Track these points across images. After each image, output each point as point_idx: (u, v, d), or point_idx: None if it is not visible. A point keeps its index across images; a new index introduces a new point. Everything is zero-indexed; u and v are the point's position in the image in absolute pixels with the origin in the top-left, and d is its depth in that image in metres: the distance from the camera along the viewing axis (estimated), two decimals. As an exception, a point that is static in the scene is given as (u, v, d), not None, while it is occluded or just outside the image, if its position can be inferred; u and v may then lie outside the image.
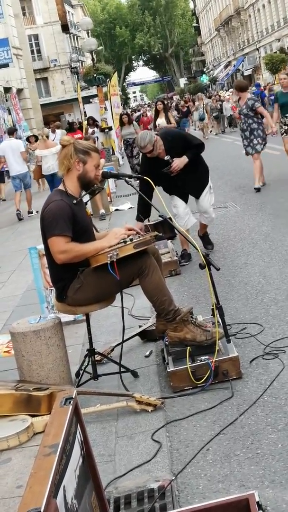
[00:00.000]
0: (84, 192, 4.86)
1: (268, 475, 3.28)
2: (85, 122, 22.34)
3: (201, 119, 30.94)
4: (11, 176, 15.91)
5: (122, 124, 19.23)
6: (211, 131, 32.33)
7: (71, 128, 22.49)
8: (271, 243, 7.97)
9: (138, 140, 7.36)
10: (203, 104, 31.93)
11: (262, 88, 35.11)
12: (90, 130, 21.33)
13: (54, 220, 4.40)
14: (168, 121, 17.45)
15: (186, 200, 7.92)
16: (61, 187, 4.66)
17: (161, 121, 17.63)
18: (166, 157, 7.22)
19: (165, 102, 19.62)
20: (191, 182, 7.68)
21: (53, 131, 20.39)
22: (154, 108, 23.90)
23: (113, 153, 21.72)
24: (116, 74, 29.67)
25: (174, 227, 5.36)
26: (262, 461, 3.42)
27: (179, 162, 7.35)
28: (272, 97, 26.79)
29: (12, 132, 16.96)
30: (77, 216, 4.52)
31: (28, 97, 35.00)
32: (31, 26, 52.16)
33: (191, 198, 7.97)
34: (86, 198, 5.11)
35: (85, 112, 24.55)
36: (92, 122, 21.94)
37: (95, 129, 21.28)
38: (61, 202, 4.47)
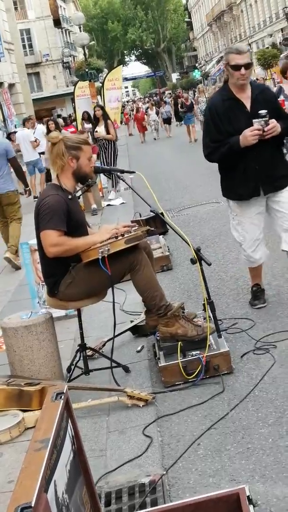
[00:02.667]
0: (79, 187, 4.86)
1: (259, 469, 3.29)
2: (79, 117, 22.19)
3: (203, 115, 29.41)
4: (25, 163, 16.35)
5: (48, 132, 15.66)
6: None
7: (65, 122, 22.19)
8: (263, 239, 7.97)
9: (235, 46, 5.30)
10: (205, 97, 27.90)
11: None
12: (85, 125, 21.26)
13: (50, 213, 4.40)
14: (107, 131, 14.65)
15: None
16: (55, 181, 4.66)
17: (100, 129, 14.86)
18: (263, 111, 5.02)
19: (105, 108, 16.39)
20: (269, 170, 5.28)
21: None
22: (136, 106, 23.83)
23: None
24: (120, 67, 29.36)
25: (165, 222, 5.37)
26: (252, 455, 3.43)
27: (276, 125, 5.09)
28: None
29: (24, 121, 19.09)
30: (72, 211, 4.53)
31: (20, 92, 34.89)
32: (23, 21, 51.91)
33: None
34: (78, 193, 5.11)
35: (73, 107, 24.53)
36: (87, 116, 21.85)
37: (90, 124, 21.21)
38: (57, 196, 4.47)
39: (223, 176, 5.53)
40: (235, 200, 5.46)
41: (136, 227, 4.76)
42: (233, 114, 5.19)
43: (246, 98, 5.21)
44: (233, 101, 5.22)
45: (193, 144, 24.93)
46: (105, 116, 14.92)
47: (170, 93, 58.12)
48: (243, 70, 5.05)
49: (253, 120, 5.04)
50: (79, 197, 5.20)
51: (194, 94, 37.68)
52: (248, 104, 5.19)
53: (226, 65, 5.17)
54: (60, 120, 18.36)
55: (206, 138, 5.36)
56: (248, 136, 5.00)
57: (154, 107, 36.81)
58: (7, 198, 9.14)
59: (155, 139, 33.89)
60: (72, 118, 28.41)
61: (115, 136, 14.74)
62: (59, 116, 33.97)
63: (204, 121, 5.57)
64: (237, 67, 5.06)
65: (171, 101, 39.26)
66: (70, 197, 4.57)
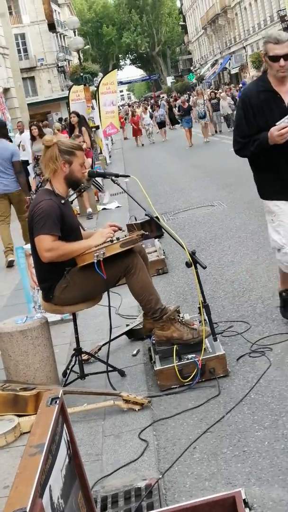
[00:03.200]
0: (71, 192, 4.86)
1: (255, 472, 3.29)
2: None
3: (201, 117, 26.87)
4: (30, 163, 16.20)
5: (32, 138, 15.22)
6: (213, 134, 28.91)
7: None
8: (258, 241, 7.99)
9: (274, 34, 4.66)
10: (204, 100, 27.65)
11: None
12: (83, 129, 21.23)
13: (43, 218, 4.40)
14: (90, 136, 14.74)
15: None
16: (48, 186, 4.65)
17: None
18: None
19: (81, 116, 14.98)
20: None
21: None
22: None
23: (100, 152, 21.68)
24: (115, 71, 29.32)
25: (160, 225, 5.37)
26: (248, 458, 3.43)
27: None
28: None
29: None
30: (65, 215, 4.53)
31: (15, 96, 34.81)
32: (17, 25, 51.97)
33: None
34: (72, 197, 5.11)
35: (69, 111, 24.48)
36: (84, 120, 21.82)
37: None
38: (50, 201, 4.47)
39: (255, 173, 5.04)
40: (272, 199, 4.89)
41: (124, 229, 4.76)
42: (268, 108, 4.70)
43: (285, 92, 4.70)
44: (270, 93, 4.70)
45: (192, 148, 24.74)
46: (81, 123, 14.45)
47: (164, 97, 58.00)
48: (282, 62, 4.53)
49: (284, 119, 4.57)
50: (71, 202, 5.19)
51: (189, 98, 37.50)
52: (286, 99, 4.69)
53: (264, 55, 4.68)
54: (58, 124, 18.15)
55: (235, 132, 4.89)
56: (275, 136, 4.55)
57: (147, 111, 36.59)
58: (17, 196, 9.85)
59: (152, 142, 33.61)
60: (67, 122, 28.42)
61: (90, 144, 14.34)
62: (60, 120, 33.90)
63: (236, 113, 5.10)
64: (275, 58, 4.56)
65: (166, 104, 39.08)
66: (63, 201, 4.57)
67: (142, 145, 33.76)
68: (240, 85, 33.31)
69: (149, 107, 41.80)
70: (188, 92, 56.52)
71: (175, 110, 33.75)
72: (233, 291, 6.33)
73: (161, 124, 34.26)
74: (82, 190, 5.05)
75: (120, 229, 4.74)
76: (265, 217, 5.04)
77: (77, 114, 14.81)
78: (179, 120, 27.84)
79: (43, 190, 4.74)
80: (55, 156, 4.55)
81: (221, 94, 31.24)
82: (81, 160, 4.66)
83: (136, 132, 35.07)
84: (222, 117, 29.33)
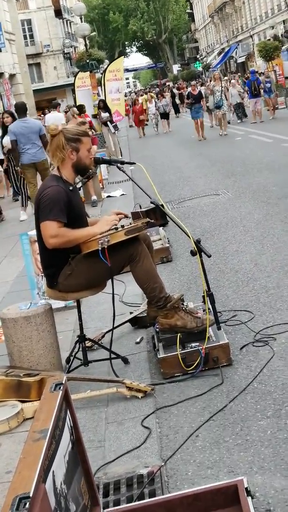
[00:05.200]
0: (79, 178, 4.85)
1: (257, 461, 3.29)
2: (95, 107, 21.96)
3: (218, 106, 23.24)
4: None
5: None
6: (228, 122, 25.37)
7: (81, 110, 20.94)
8: (263, 231, 7.98)
9: None
10: (221, 87, 23.82)
11: (257, 74, 33.88)
12: (102, 114, 21.14)
13: (50, 204, 4.39)
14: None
15: None
16: (56, 173, 4.64)
17: None
18: None
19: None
20: None
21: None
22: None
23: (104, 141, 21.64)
24: (121, 58, 29.09)
25: (165, 213, 5.36)
26: (251, 447, 3.43)
27: None
28: (268, 84, 26.60)
29: (55, 106, 21.57)
30: (72, 202, 4.52)
31: (21, 83, 34.75)
32: (24, 11, 51.72)
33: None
34: (78, 184, 5.10)
35: (74, 98, 24.45)
36: (103, 105, 21.69)
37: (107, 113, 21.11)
38: (58, 187, 4.46)
39: None
40: None
41: (129, 217, 4.75)
42: None
43: None
44: None
45: (203, 141, 22.54)
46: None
47: (169, 85, 57.15)
48: None
49: None
50: (79, 189, 5.18)
51: (201, 84, 35.68)
52: None
53: None
54: (75, 109, 18.08)
55: None
56: None
57: (153, 100, 33.79)
58: (42, 164, 11.71)
59: (157, 134, 31.56)
60: (68, 107, 28.32)
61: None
62: (76, 106, 33.63)
63: None
64: None
65: (169, 92, 37.75)
66: (71, 188, 4.57)
67: (144, 135, 31.66)
68: (249, 74, 32.73)
69: (154, 96, 39.69)
70: (198, 80, 55.90)
71: (184, 98, 31.43)
72: (237, 280, 6.32)
73: (164, 115, 31.55)
74: (91, 176, 5.03)
75: (126, 216, 4.73)
76: None
77: (11, 114, 13.87)
78: (189, 109, 24.18)
79: (51, 176, 4.73)
80: (61, 145, 4.54)
81: (231, 81, 28.95)
82: (87, 146, 4.65)
83: (139, 123, 32.50)
84: (231, 106, 26.32)
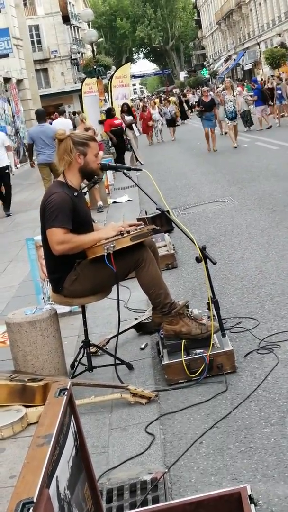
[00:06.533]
0: (85, 184, 4.86)
1: (261, 469, 3.29)
2: (118, 109, 22.01)
3: (230, 118, 20.63)
4: None
5: None
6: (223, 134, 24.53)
7: (109, 114, 20.22)
8: (268, 238, 7.98)
9: None
10: (234, 96, 21.45)
11: (262, 83, 33.42)
12: (126, 118, 21.13)
13: (56, 211, 4.40)
14: None
15: None
16: (61, 178, 4.66)
17: None
18: None
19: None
20: None
21: None
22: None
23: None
24: (128, 65, 29.10)
25: (171, 220, 5.36)
26: (254, 455, 3.43)
27: None
28: (279, 92, 26.48)
29: (62, 112, 22.41)
30: (77, 208, 4.53)
31: (28, 88, 34.85)
32: (31, 17, 51.92)
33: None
34: (84, 189, 5.11)
35: (81, 104, 24.54)
36: (127, 108, 21.68)
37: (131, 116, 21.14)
38: (63, 194, 4.48)
39: None
40: None
41: (142, 226, 4.76)
42: None
43: None
44: None
45: (213, 153, 20.69)
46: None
47: (176, 92, 57.04)
48: None
49: None
50: (85, 194, 5.20)
51: (212, 91, 35.13)
52: None
53: None
54: (84, 114, 18.29)
55: None
56: None
57: (156, 106, 32.90)
58: (55, 165, 11.86)
59: (161, 141, 30.51)
60: (74, 113, 28.44)
61: None
62: (74, 113, 33.46)
63: None
64: None
65: (176, 99, 37.65)
66: (76, 194, 4.58)
67: (152, 143, 30.48)
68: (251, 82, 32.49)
69: (158, 101, 37.71)
70: (201, 87, 56.05)
71: (195, 105, 30.53)
72: (242, 287, 6.32)
73: (171, 122, 30.74)
74: (97, 182, 5.05)
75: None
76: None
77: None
78: (200, 117, 22.06)
79: (56, 181, 4.75)
80: (69, 148, 4.55)
81: (237, 89, 26.36)
82: (94, 150, 4.66)
83: (148, 129, 31.09)
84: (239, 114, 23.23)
